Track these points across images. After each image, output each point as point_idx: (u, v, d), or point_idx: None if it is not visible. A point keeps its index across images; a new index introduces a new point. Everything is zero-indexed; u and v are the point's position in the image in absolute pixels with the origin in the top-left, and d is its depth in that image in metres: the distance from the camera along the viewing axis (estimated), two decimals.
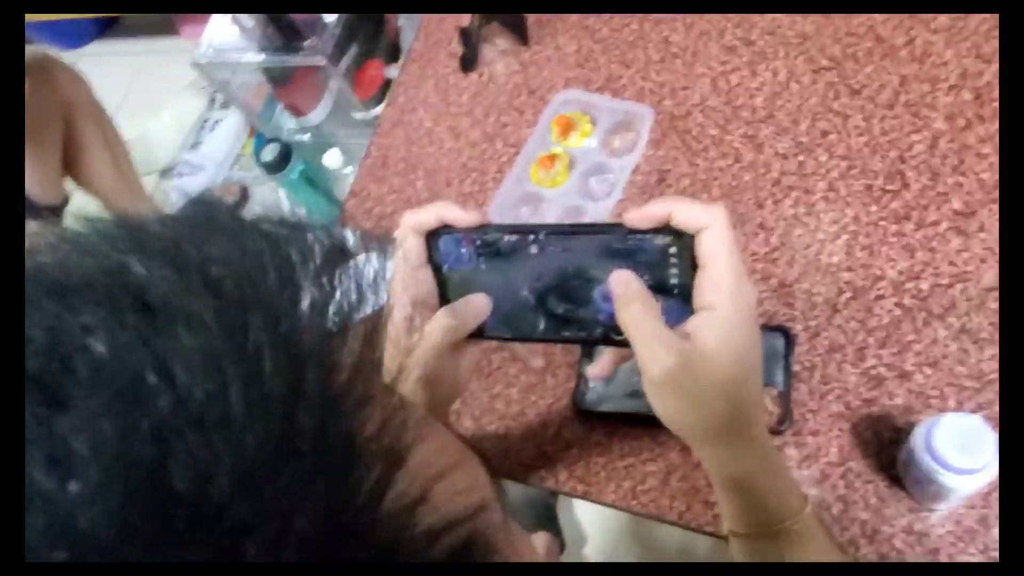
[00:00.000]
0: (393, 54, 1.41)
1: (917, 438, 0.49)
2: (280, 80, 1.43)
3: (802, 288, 0.65)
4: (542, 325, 0.47)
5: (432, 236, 0.46)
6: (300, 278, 0.18)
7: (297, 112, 1.50)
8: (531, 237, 0.44)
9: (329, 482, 0.16)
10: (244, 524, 0.15)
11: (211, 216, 0.18)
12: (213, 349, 0.15)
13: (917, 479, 0.51)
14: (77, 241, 0.17)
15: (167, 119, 1.88)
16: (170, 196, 1.86)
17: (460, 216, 0.45)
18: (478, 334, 0.48)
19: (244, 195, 1.77)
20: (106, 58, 2.27)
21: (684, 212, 0.40)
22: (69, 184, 1.44)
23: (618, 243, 0.42)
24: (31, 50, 1.37)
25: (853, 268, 0.64)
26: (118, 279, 0.16)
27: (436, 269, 0.47)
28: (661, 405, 0.42)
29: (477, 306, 0.47)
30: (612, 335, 0.45)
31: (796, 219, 0.68)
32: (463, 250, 0.46)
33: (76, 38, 2.31)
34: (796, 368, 0.62)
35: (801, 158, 0.71)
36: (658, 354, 0.40)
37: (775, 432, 0.60)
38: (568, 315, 0.46)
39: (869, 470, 0.57)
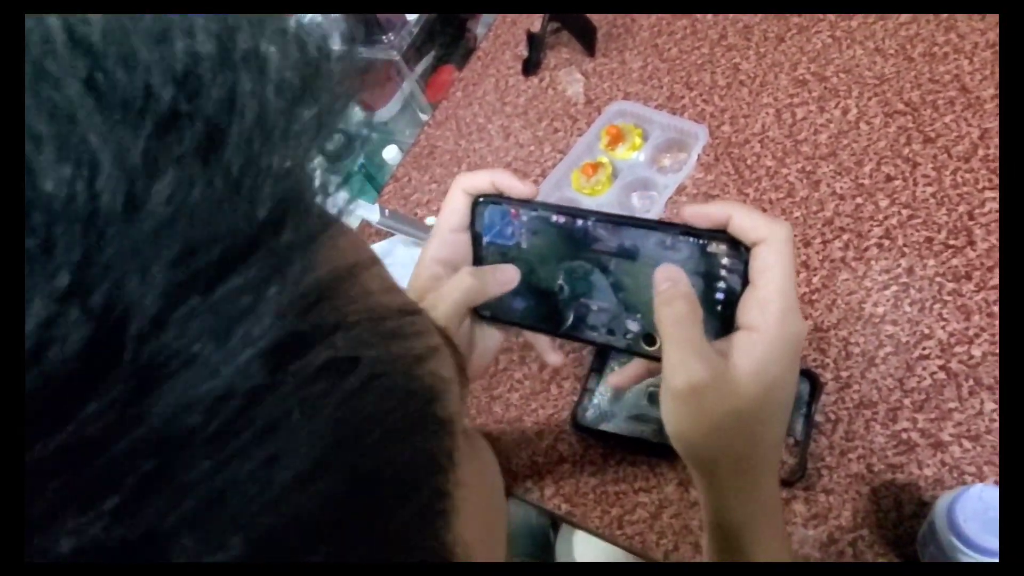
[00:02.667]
0: (467, 61, 1.42)
1: (939, 510, 0.43)
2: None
3: (839, 335, 0.60)
4: (571, 320, 0.44)
5: (479, 203, 0.44)
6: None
7: (368, 107, 1.53)
8: (580, 222, 0.42)
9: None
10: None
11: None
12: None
13: (934, 557, 0.45)
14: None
15: None
16: None
17: (515, 185, 0.43)
18: (503, 318, 0.46)
19: None
20: None
21: (745, 219, 0.36)
22: None
23: (669, 243, 0.39)
24: None
25: (898, 322, 0.59)
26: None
27: (476, 239, 0.45)
28: (674, 419, 0.38)
29: (504, 276, 0.44)
30: (642, 344, 0.42)
31: (844, 263, 0.63)
32: (508, 224, 0.44)
33: None
34: (819, 419, 0.57)
35: (859, 200, 0.66)
36: (690, 363, 0.36)
37: (787, 483, 0.55)
38: (601, 314, 0.43)
39: (883, 542, 0.51)
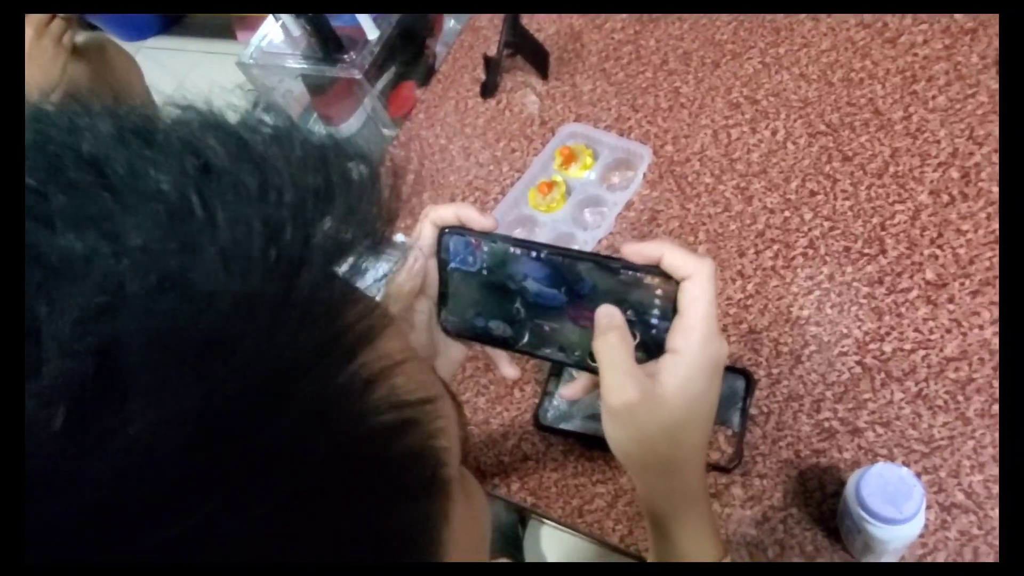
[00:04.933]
0: (428, 78, 1.47)
1: (849, 488, 0.50)
2: (318, 90, 1.50)
3: (770, 336, 0.67)
4: (526, 337, 0.49)
5: (445, 234, 0.49)
6: (336, 190, 0.21)
7: (330, 122, 1.56)
8: (534, 254, 0.47)
9: (312, 329, 0.19)
10: (234, 336, 0.18)
11: (282, 127, 0.22)
12: (248, 208, 0.19)
13: (849, 529, 0.52)
14: (171, 112, 0.22)
15: None
16: None
17: (476, 219, 0.48)
18: (466, 334, 0.51)
19: None
20: (165, 52, 2.39)
21: (674, 258, 0.42)
22: None
23: (611, 274, 0.45)
24: (92, 34, 1.46)
25: (821, 323, 0.66)
26: (193, 146, 0.20)
27: (442, 265, 0.50)
28: (612, 432, 0.44)
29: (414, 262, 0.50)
30: (588, 360, 0.47)
31: (774, 271, 0.70)
32: (471, 253, 0.49)
33: (140, 31, 2.44)
34: (753, 412, 0.63)
35: (787, 214, 0.73)
36: (624, 385, 0.42)
37: (725, 470, 0.61)
38: (552, 333, 0.48)
39: (809, 518, 0.58)
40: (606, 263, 0.45)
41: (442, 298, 0.50)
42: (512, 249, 0.48)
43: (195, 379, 0.17)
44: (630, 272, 0.44)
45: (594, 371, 0.48)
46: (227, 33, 2.27)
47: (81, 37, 1.36)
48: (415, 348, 0.25)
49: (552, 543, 1.19)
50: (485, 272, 0.49)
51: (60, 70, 1.07)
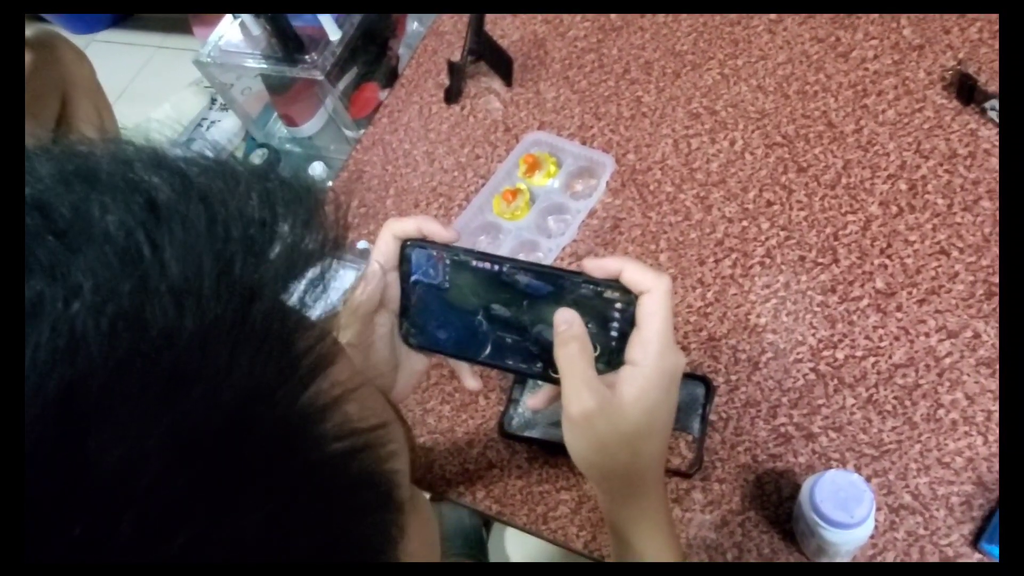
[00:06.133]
0: (390, 80, 1.46)
1: (803, 493, 0.52)
2: (278, 89, 1.48)
3: (729, 343, 0.69)
4: (488, 350, 0.50)
5: (407, 246, 0.49)
6: (280, 218, 0.22)
7: (291, 122, 1.54)
8: (496, 267, 0.47)
9: (269, 358, 0.20)
10: (193, 370, 0.18)
11: (222, 161, 0.23)
12: (197, 244, 0.20)
13: (803, 532, 0.54)
14: (110, 149, 0.22)
15: (166, 112, 1.92)
16: None
17: (438, 231, 0.48)
18: (428, 346, 0.51)
19: None
20: (117, 46, 2.32)
21: (633, 273, 0.44)
22: None
23: (572, 288, 0.46)
24: (39, 27, 1.41)
25: (777, 331, 0.68)
26: (138, 185, 0.20)
27: (404, 277, 0.50)
28: (572, 441, 0.45)
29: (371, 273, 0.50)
30: (550, 372, 0.48)
31: (732, 279, 0.72)
32: (433, 266, 0.49)
33: (90, 25, 2.36)
34: (713, 418, 0.65)
35: (745, 223, 0.75)
36: (582, 395, 0.43)
37: (686, 475, 0.63)
38: (514, 345, 0.49)
39: (766, 521, 0.60)
40: (568, 277, 0.46)
41: (404, 311, 0.50)
42: (475, 263, 0.48)
43: (160, 412, 0.17)
44: (591, 286, 0.45)
45: (555, 382, 0.48)
46: (182, 28, 2.22)
47: (29, 31, 1.31)
48: (365, 375, 0.26)
49: (516, 545, 1.20)
50: (447, 285, 0.49)
51: None
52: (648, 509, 0.47)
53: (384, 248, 0.49)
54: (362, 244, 0.83)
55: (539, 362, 0.49)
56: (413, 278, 0.50)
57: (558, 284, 0.47)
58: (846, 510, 0.49)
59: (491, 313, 0.49)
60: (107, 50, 2.23)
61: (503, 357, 0.50)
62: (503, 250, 0.79)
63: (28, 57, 1.28)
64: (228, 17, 1.40)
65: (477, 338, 0.50)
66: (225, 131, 1.90)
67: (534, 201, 0.81)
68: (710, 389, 0.65)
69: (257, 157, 1.43)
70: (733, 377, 0.67)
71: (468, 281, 0.49)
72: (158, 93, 1.99)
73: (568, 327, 0.44)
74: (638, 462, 0.45)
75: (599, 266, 0.44)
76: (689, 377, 0.66)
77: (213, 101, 1.97)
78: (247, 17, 1.31)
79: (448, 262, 0.49)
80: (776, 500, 0.61)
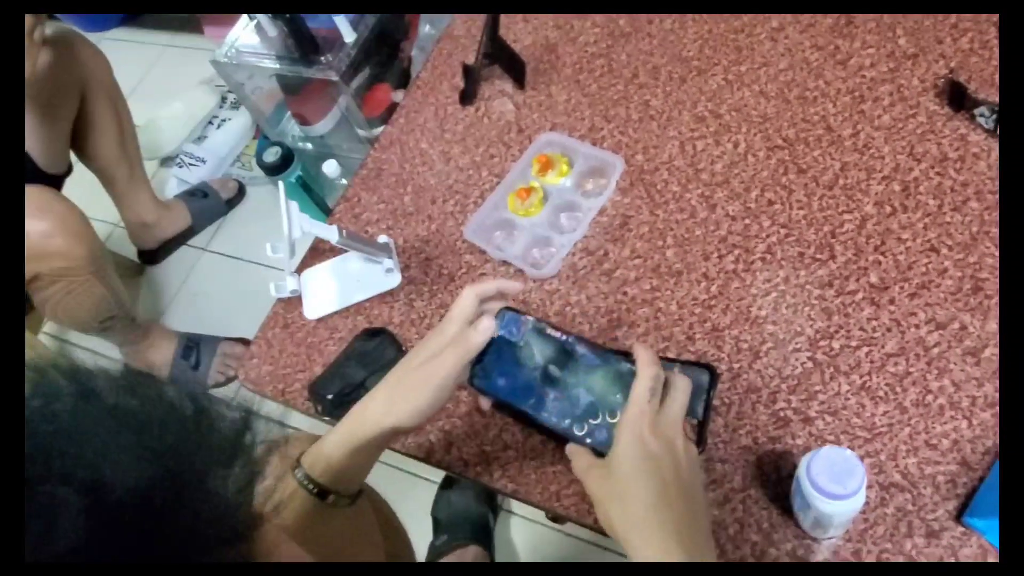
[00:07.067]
0: (402, 81, 1.50)
1: (801, 468, 0.56)
2: (292, 89, 1.52)
3: (732, 334, 0.73)
4: (532, 400, 0.60)
5: (505, 309, 0.63)
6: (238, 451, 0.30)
7: (304, 121, 1.58)
8: (563, 337, 0.61)
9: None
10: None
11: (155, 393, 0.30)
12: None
13: (800, 505, 0.58)
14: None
15: (178, 110, 1.95)
16: (169, 183, 1.92)
17: (511, 286, 0.64)
18: (484, 389, 0.62)
19: (240, 191, 1.84)
20: (128, 44, 2.35)
21: (637, 356, 0.56)
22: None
23: (615, 364, 0.59)
24: (58, 26, 1.45)
25: (777, 322, 0.72)
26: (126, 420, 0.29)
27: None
28: (586, 486, 0.56)
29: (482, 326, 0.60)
30: (575, 430, 0.58)
31: (735, 274, 0.76)
32: (517, 326, 0.62)
33: (100, 23, 2.39)
34: (716, 403, 0.69)
35: (747, 221, 0.79)
36: (584, 451, 0.58)
37: None
38: (554, 401, 0.59)
39: (766, 498, 0.64)
40: (613, 355, 0.59)
41: (479, 358, 0.60)
42: (549, 330, 0.61)
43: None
44: (630, 366, 0.57)
45: (577, 440, 0.58)
46: (192, 27, 2.25)
47: (49, 30, 1.35)
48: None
49: (522, 535, 1.24)
50: (522, 343, 0.61)
51: (33, 66, 1.07)
52: (636, 558, 0.50)
53: (465, 305, 0.60)
54: (383, 239, 0.87)
55: (567, 419, 0.58)
56: (501, 332, 0.61)
57: (605, 359, 0.59)
58: (840, 482, 0.53)
59: (547, 372, 0.60)
60: (117, 48, 2.26)
61: (540, 409, 0.60)
62: (518, 245, 0.83)
63: (47, 56, 1.32)
64: (243, 18, 1.44)
65: (528, 390, 0.60)
66: (235, 129, 1.94)
67: (547, 199, 0.85)
68: (714, 376, 0.69)
69: (271, 155, 1.46)
70: (735, 365, 0.71)
71: (538, 343, 0.61)
72: (168, 91, 2.02)
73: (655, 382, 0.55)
74: (625, 523, 0.51)
75: (635, 347, 0.56)
76: (694, 365, 0.70)
77: (224, 100, 2.00)
78: (263, 18, 1.35)
79: (530, 327, 0.62)
80: (775, 479, 0.65)
